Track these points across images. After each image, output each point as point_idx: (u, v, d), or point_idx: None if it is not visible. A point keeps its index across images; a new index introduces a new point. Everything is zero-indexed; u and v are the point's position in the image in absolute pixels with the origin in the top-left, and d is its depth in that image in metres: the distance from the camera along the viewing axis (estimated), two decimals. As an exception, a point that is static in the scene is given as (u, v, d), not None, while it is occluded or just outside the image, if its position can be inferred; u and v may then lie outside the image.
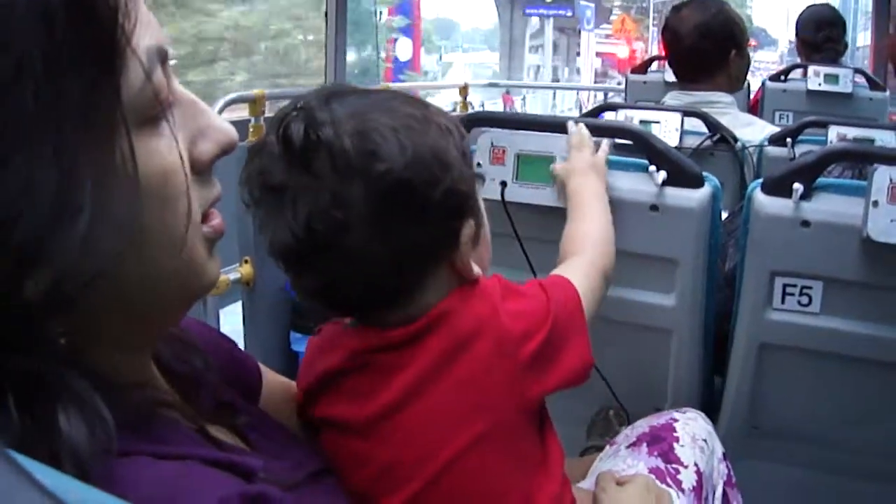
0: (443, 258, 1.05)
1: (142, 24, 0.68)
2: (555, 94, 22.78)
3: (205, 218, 0.79)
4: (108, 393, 0.68)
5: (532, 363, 1.07)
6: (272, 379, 1.21)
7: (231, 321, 3.49)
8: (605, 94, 6.93)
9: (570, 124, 1.62)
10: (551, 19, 29.81)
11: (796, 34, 4.96)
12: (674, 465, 1.40)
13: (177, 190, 0.72)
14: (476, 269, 1.07)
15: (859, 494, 1.80)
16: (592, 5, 31.07)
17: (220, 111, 3.16)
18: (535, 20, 30.79)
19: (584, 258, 1.36)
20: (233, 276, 3.42)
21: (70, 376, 0.65)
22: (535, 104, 20.19)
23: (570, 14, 30.24)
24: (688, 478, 1.39)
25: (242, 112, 3.48)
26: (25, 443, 0.59)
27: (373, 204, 0.95)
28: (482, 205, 1.11)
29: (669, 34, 3.14)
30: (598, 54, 35.12)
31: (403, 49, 25.86)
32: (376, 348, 1.06)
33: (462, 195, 1.02)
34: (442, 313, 1.05)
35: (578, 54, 34.41)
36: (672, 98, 3.16)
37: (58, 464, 0.60)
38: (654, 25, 36.81)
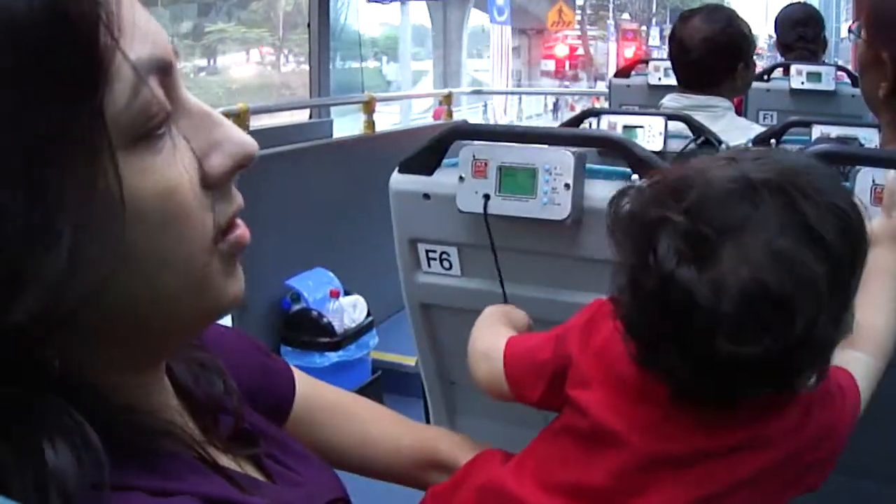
0: None
1: (131, 34, 0.65)
2: (520, 99, 22.52)
3: (227, 230, 0.76)
4: (108, 420, 0.67)
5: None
6: (310, 390, 1.20)
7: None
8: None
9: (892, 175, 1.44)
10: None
11: (775, 34, 4.99)
12: None
13: (179, 208, 0.69)
14: None
15: (862, 493, 1.80)
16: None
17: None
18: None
19: (873, 362, 1.25)
20: (222, 291, 3.43)
21: (59, 404, 0.63)
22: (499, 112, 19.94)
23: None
24: None
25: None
26: (8, 475, 0.58)
27: None
28: None
29: (677, 44, 3.16)
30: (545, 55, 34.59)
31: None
32: None
33: None
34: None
35: (548, 56, 34.12)
36: (671, 100, 3.18)
37: (44, 498, 0.58)
38: (615, 16, 35.88)
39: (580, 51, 35.92)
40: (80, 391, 0.66)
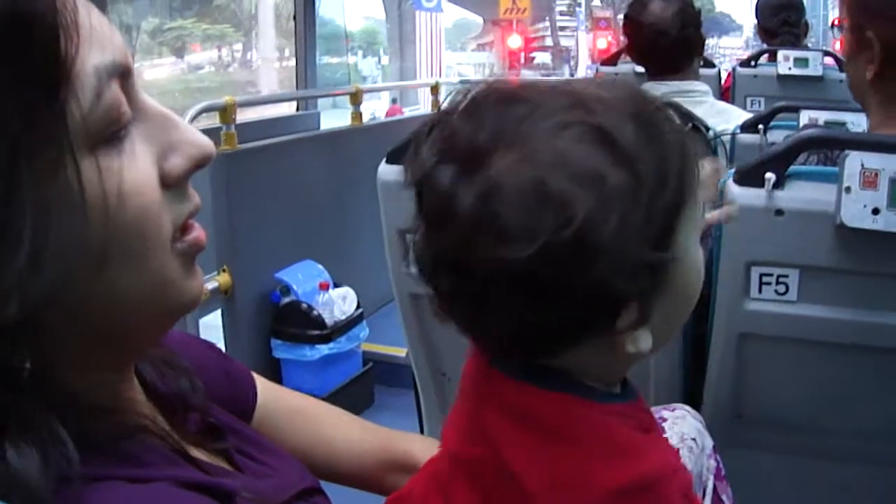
0: None
1: (90, 40, 0.66)
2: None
3: (183, 231, 0.77)
4: (79, 418, 0.67)
5: None
6: (271, 394, 1.21)
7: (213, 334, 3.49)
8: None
9: None
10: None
11: (756, 20, 4.99)
12: None
13: (140, 208, 0.70)
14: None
15: (847, 478, 1.81)
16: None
17: (192, 120, 3.15)
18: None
19: None
20: (211, 285, 3.42)
21: (24, 403, 0.64)
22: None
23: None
24: None
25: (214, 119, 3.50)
26: None
27: None
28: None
29: (647, 31, 3.10)
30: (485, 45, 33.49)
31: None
32: None
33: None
34: None
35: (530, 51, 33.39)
36: (649, 89, 3.15)
37: (14, 493, 0.59)
38: (588, 3, 34.62)
39: (549, 41, 35.31)
40: (52, 391, 0.67)
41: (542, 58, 33.74)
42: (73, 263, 0.65)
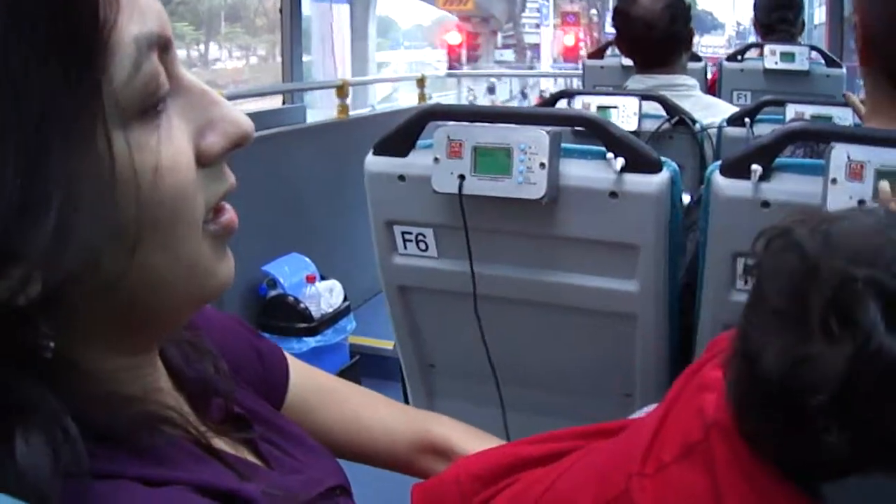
0: None
1: (130, 9, 0.64)
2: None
3: (215, 213, 0.75)
4: (100, 407, 0.66)
5: None
6: (303, 373, 1.19)
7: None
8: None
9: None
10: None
11: (754, 15, 5.01)
12: None
13: (174, 187, 0.68)
14: None
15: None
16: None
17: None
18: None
19: None
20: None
21: (41, 392, 0.61)
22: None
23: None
24: None
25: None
26: None
27: None
28: None
29: (636, 23, 3.10)
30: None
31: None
32: None
33: None
34: None
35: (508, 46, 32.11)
36: (635, 82, 3.16)
37: (21, 487, 0.57)
38: None
39: (510, 37, 33.82)
40: (73, 377, 0.65)
41: (508, 55, 32.61)
42: (102, 240, 0.62)
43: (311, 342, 3.72)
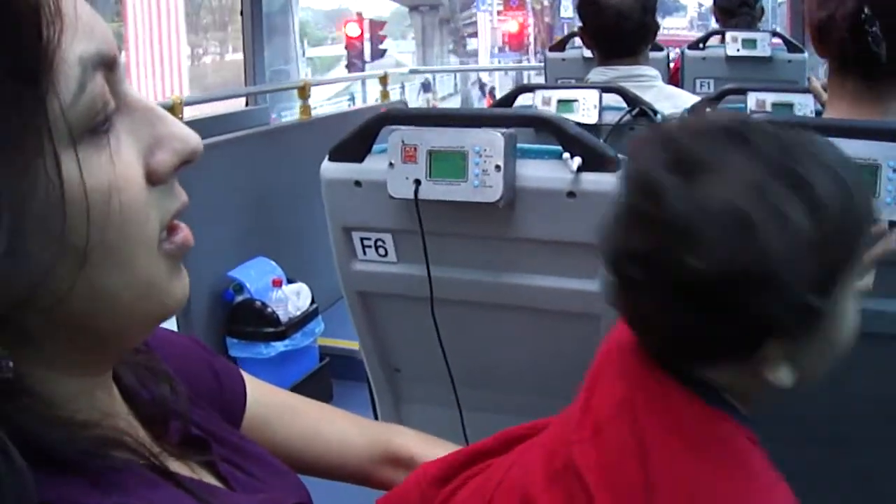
0: None
1: (74, 28, 0.63)
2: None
3: (168, 231, 0.74)
4: (51, 433, 0.65)
5: None
6: (260, 391, 1.18)
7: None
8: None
9: None
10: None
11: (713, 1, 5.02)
12: None
13: (124, 205, 0.67)
14: None
15: (812, 461, 1.81)
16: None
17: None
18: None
19: None
20: (163, 285, 3.39)
21: None
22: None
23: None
24: None
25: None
26: None
27: None
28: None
29: (608, 13, 3.06)
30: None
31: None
32: None
33: None
34: None
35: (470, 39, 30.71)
36: (596, 74, 3.14)
37: None
38: None
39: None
40: (23, 402, 0.64)
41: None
42: (53, 262, 0.62)
43: (279, 346, 3.70)
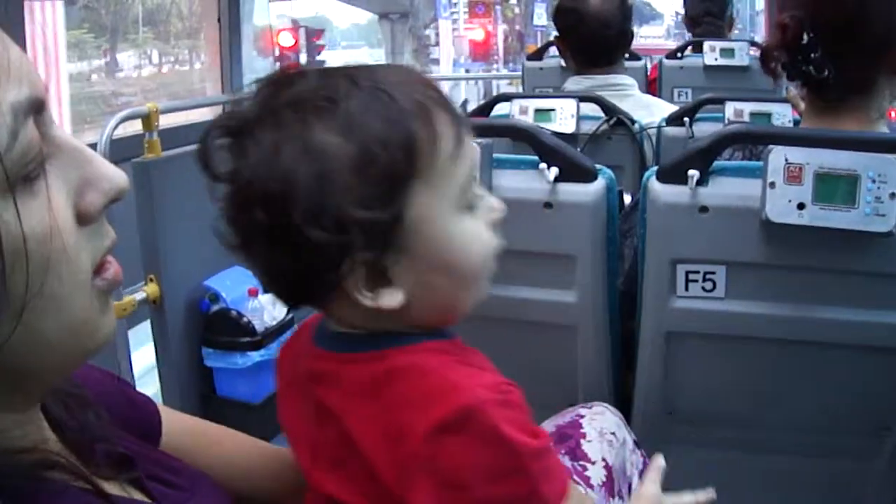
0: None
1: (8, 75, 0.63)
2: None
3: (99, 268, 0.74)
4: None
5: None
6: (173, 418, 1.18)
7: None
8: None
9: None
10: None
11: (684, 9, 5.05)
12: (581, 462, 1.40)
13: (58, 249, 0.67)
14: None
15: (777, 470, 1.81)
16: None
17: (115, 128, 3.09)
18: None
19: None
20: (139, 295, 3.35)
21: None
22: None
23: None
24: (596, 474, 1.39)
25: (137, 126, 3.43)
26: None
27: None
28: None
29: (589, 21, 3.02)
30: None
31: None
32: None
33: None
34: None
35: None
36: (573, 83, 3.12)
37: None
38: None
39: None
40: None
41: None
42: None
43: (255, 356, 3.65)
